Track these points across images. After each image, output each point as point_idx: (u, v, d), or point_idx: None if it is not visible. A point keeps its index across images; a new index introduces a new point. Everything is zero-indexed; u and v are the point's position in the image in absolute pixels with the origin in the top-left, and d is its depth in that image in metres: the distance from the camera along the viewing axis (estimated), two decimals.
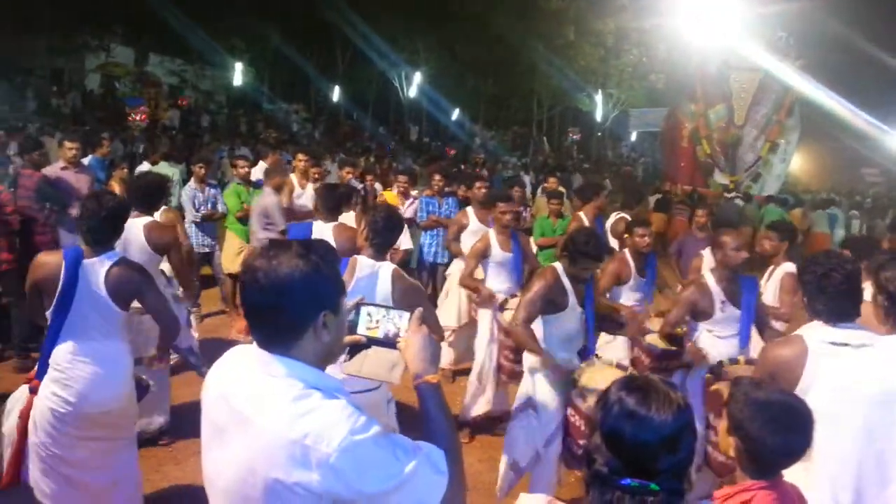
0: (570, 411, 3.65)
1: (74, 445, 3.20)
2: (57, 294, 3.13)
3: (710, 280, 4.08)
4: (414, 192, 8.09)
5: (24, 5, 18.67)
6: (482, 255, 5.27)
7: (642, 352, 4.57)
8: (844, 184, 17.04)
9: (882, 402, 2.13)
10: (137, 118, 16.47)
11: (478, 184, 7.06)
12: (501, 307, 4.90)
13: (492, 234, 5.32)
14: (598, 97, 29.65)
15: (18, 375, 5.41)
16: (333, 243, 4.08)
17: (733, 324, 4.05)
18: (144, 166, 8.63)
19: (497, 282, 5.26)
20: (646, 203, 10.68)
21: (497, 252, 5.25)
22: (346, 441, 1.35)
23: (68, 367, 3.14)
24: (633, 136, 33.66)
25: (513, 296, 5.05)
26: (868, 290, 2.52)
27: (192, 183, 7.17)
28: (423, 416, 1.58)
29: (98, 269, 3.17)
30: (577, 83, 27.74)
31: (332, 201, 4.94)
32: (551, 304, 3.75)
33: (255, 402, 1.44)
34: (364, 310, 1.71)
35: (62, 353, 3.15)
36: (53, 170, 6.42)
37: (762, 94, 18.29)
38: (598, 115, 30.59)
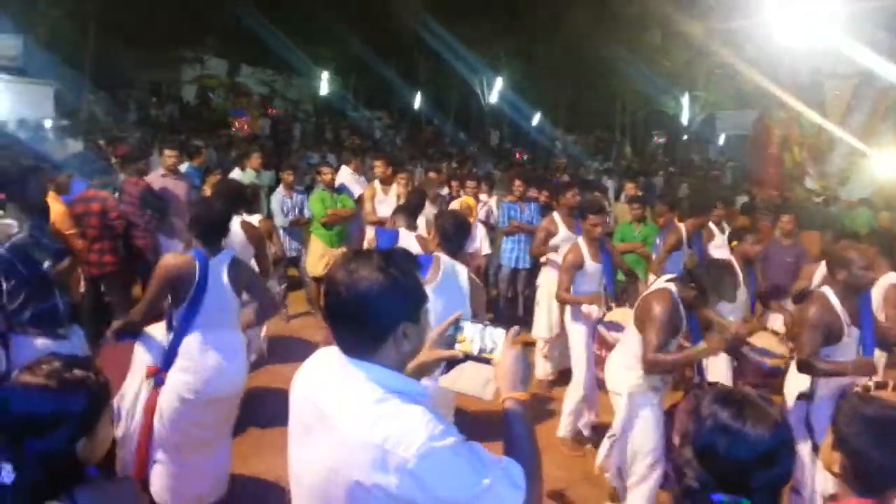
0: (675, 437, 3.54)
1: (198, 437, 3.53)
2: (192, 290, 3.45)
3: (833, 299, 3.64)
4: (483, 197, 8.10)
5: (125, 22, 19.84)
6: (576, 268, 5.15)
7: (746, 366, 4.34)
8: None
9: None
10: (240, 127, 17.29)
11: (570, 193, 6.98)
12: (601, 320, 4.77)
13: (581, 243, 5.22)
14: (685, 99, 28.79)
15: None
16: (418, 250, 4.21)
17: (854, 347, 3.66)
18: (236, 174, 8.98)
19: (589, 290, 5.16)
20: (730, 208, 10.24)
21: (588, 263, 5.16)
22: (425, 447, 1.37)
23: (200, 357, 3.45)
24: (721, 140, 32.46)
25: (608, 307, 4.95)
26: None
27: (280, 189, 7.44)
28: (506, 432, 1.59)
29: (221, 266, 3.56)
30: (662, 86, 27.05)
31: (417, 207, 5.05)
32: (671, 328, 3.59)
33: (339, 405, 1.48)
34: (462, 325, 1.75)
35: (193, 343, 3.47)
36: (154, 177, 6.79)
37: (857, 100, 17.59)
38: (685, 119, 29.69)
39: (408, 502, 1.41)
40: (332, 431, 1.47)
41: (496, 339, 1.70)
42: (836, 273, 3.67)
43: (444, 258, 3.55)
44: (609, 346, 4.38)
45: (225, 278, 3.55)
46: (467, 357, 1.72)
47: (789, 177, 18.59)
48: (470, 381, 1.75)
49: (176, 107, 24.72)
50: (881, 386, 3.48)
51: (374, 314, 1.48)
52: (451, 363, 1.76)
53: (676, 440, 3.46)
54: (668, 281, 3.72)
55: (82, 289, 5.72)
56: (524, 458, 1.52)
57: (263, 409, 4.87)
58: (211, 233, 3.58)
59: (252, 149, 10.54)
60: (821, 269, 4.73)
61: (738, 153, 26.84)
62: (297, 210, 7.34)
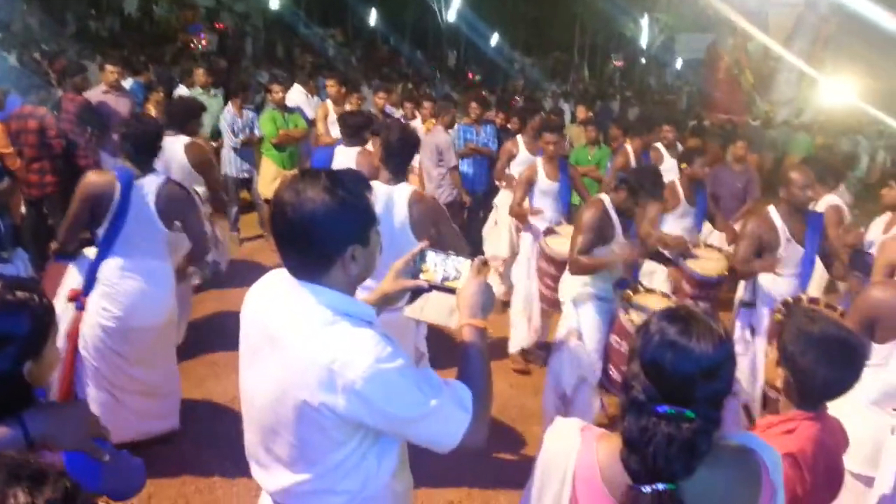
0: (614, 337, 3.67)
1: (121, 367, 3.41)
2: (110, 212, 3.26)
3: (775, 215, 3.92)
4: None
5: None
6: (529, 184, 5.29)
7: (684, 278, 4.55)
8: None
9: None
10: (198, 44, 16.46)
11: (538, 117, 6.94)
12: (546, 233, 4.87)
13: (539, 162, 5.33)
14: (644, 21, 28.48)
15: None
16: (356, 168, 4.11)
17: (795, 262, 3.91)
18: (181, 90, 8.61)
19: (544, 209, 5.27)
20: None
21: (543, 180, 5.25)
22: (372, 368, 1.38)
23: (117, 283, 3.31)
24: (679, 64, 32.39)
25: (558, 223, 5.07)
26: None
27: (230, 108, 7.16)
28: (461, 357, 1.61)
29: (148, 188, 3.31)
30: (621, 6, 26.64)
31: (352, 127, 4.90)
32: (599, 236, 3.75)
33: (288, 326, 1.48)
34: (428, 255, 1.74)
35: (112, 268, 3.32)
36: (95, 94, 6.48)
37: (799, 28, 18.10)
38: (643, 41, 29.46)
39: (355, 422, 1.44)
40: (282, 352, 1.48)
41: (459, 268, 1.71)
42: (780, 191, 3.92)
43: (379, 188, 3.32)
44: (549, 259, 4.56)
45: (151, 203, 3.32)
46: (431, 287, 1.72)
47: (739, 101, 19.05)
48: (435, 311, 1.77)
49: (117, 19, 23.32)
50: (813, 302, 3.68)
51: (321, 236, 1.46)
52: (416, 293, 1.77)
53: (613, 339, 3.64)
54: (602, 193, 3.93)
55: (23, 211, 5.52)
56: (475, 382, 1.54)
57: (217, 333, 4.86)
58: (140, 150, 3.36)
59: (199, 65, 10.09)
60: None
61: (694, 78, 26.90)
62: (247, 130, 7.11)
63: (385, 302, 1.79)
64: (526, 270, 5.12)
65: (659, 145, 7.02)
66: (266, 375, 1.52)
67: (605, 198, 3.84)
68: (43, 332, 1.51)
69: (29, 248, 3.94)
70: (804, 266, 3.90)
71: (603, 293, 3.84)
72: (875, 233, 4.56)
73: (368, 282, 1.66)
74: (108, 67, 6.66)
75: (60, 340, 3.32)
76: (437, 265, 1.73)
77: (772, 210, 3.95)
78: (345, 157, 4.89)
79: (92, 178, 3.37)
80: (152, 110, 7.14)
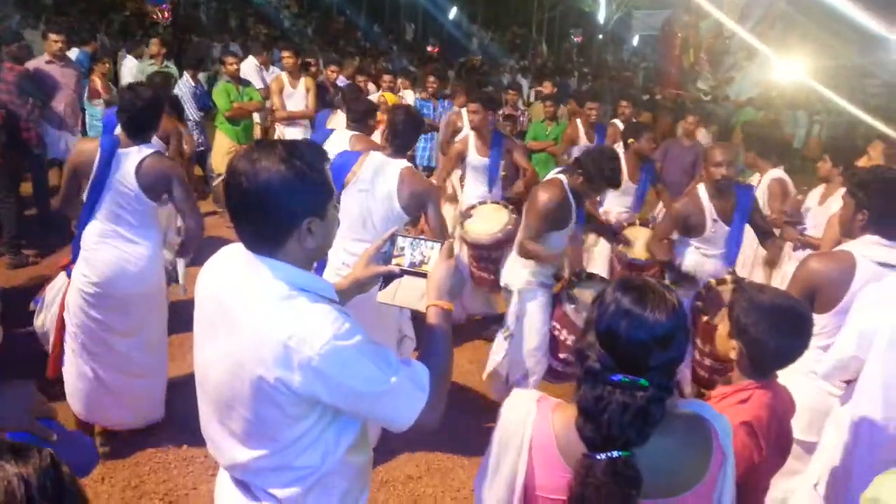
0: (555, 325, 3.70)
1: (103, 339, 3.39)
2: (91, 179, 3.26)
3: (703, 195, 3.91)
4: (405, 94, 7.90)
5: None
6: (459, 158, 5.13)
7: (620, 262, 4.60)
8: (843, 93, 16.87)
9: None
10: (161, 17, 15.87)
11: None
12: (464, 216, 4.78)
13: (471, 136, 5.14)
14: None
15: (13, 272, 5.45)
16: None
17: (721, 241, 3.92)
18: (129, 62, 8.32)
19: (473, 186, 5.16)
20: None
21: (473, 156, 5.09)
22: (329, 345, 1.37)
23: (94, 248, 3.31)
24: (636, 40, 32.61)
25: (480, 202, 4.93)
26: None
27: (187, 79, 6.95)
28: (424, 337, 1.61)
29: (131, 158, 3.28)
30: None
31: (358, 112, 4.48)
32: (557, 221, 3.67)
33: (244, 301, 1.45)
34: (397, 240, 1.74)
35: (90, 234, 3.33)
36: (38, 64, 6.22)
37: (750, 8, 19.01)
38: (601, 17, 29.55)
39: (311, 398, 1.43)
40: (237, 328, 1.45)
41: (427, 252, 1.71)
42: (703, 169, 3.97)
43: (377, 156, 3.39)
44: (469, 244, 4.54)
45: (132, 173, 3.26)
46: (403, 271, 1.73)
47: (686, 77, 19.88)
48: (406, 295, 1.77)
49: None
50: (720, 282, 3.75)
51: (277, 207, 1.42)
52: (388, 278, 1.76)
53: (552, 325, 3.68)
54: (559, 173, 3.78)
55: None
56: (435, 362, 1.54)
57: (171, 313, 4.76)
58: (134, 122, 3.32)
59: (150, 34, 9.77)
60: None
61: (651, 54, 27.16)
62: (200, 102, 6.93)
63: (358, 288, 1.79)
64: (458, 246, 5.07)
65: (617, 121, 7.07)
66: (221, 351, 1.49)
67: (564, 179, 3.70)
68: None
69: None
70: (730, 245, 3.92)
71: (548, 280, 3.82)
72: (811, 202, 4.69)
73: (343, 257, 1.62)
74: (52, 36, 6.37)
75: (54, 308, 3.47)
76: (407, 249, 1.73)
77: (701, 189, 3.94)
78: (339, 141, 4.69)
79: (78, 146, 3.43)
80: (97, 82, 6.90)
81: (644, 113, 7.63)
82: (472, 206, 4.86)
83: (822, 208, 4.48)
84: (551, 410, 1.44)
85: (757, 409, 1.83)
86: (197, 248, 3.63)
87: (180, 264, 4.25)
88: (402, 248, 1.74)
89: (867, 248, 2.49)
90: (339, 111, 6.03)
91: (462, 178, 5.39)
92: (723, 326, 2.01)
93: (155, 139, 4.42)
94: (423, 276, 1.70)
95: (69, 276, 3.41)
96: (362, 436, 1.62)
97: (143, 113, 3.31)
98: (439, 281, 1.64)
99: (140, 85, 3.54)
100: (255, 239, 1.48)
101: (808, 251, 3.79)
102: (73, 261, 3.39)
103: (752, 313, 1.87)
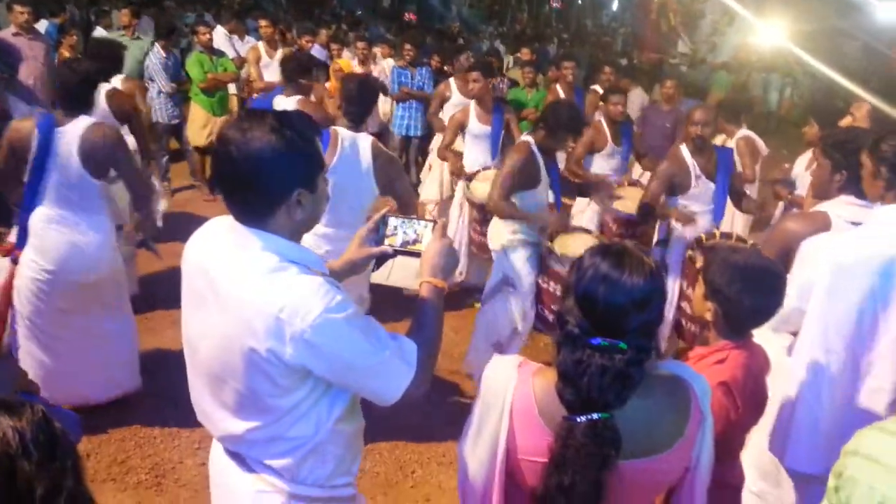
0: (541, 278, 3.73)
1: (60, 321, 3.30)
2: (30, 161, 3.11)
3: (685, 153, 4.04)
4: (386, 62, 7.80)
5: None
6: (460, 127, 5.17)
7: (610, 218, 4.66)
8: (822, 56, 17.01)
9: (882, 273, 2.13)
10: None
11: (463, 56, 6.84)
12: (469, 178, 4.83)
13: (472, 105, 5.18)
14: None
15: None
16: None
17: (708, 198, 4.04)
18: (98, 33, 8.11)
19: (474, 154, 5.20)
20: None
21: (475, 124, 5.13)
22: (321, 318, 1.37)
23: (43, 234, 3.18)
24: (615, 5, 32.38)
25: (485, 168, 4.98)
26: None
27: (158, 50, 6.78)
28: (416, 310, 1.62)
29: (72, 135, 3.13)
30: None
31: (289, 71, 4.53)
32: (527, 179, 3.71)
33: (233, 274, 1.44)
34: (389, 220, 1.74)
35: (37, 219, 3.19)
36: (4, 36, 6.03)
37: None
38: None
39: (303, 370, 1.43)
40: (227, 300, 1.44)
41: (420, 230, 1.72)
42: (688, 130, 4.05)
43: (344, 133, 3.35)
44: (473, 204, 4.59)
45: (75, 151, 3.14)
46: (396, 251, 1.73)
47: (664, 41, 20.20)
48: (401, 275, 1.78)
49: None
50: (725, 236, 3.83)
51: (267, 177, 1.40)
52: (381, 259, 1.77)
53: (541, 278, 3.71)
54: (527, 134, 3.86)
55: None
56: (423, 339, 1.55)
57: (152, 289, 4.73)
58: (72, 98, 3.20)
59: (119, 5, 9.52)
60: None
61: (630, 19, 27.04)
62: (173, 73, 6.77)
63: (351, 269, 1.78)
64: (458, 214, 5.11)
65: (597, 87, 7.03)
66: (211, 324, 1.49)
67: (531, 139, 3.76)
68: None
69: None
70: (716, 201, 4.05)
71: (531, 238, 3.85)
72: (799, 168, 4.74)
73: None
74: (17, 7, 6.15)
75: None
76: (399, 229, 1.73)
77: (682, 148, 4.08)
78: (284, 106, 4.65)
79: (13, 125, 3.26)
80: (65, 55, 6.72)
81: (623, 79, 7.57)
82: (477, 172, 4.90)
83: (810, 173, 4.53)
84: (532, 375, 1.45)
85: (733, 369, 1.87)
86: (154, 222, 3.58)
87: (162, 205, 4.20)
88: (395, 228, 1.74)
89: (842, 209, 2.52)
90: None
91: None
92: (698, 288, 2.04)
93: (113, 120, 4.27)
94: (417, 255, 1.70)
95: (14, 262, 3.26)
96: (353, 404, 1.63)
97: (78, 87, 3.21)
98: (433, 258, 1.65)
99: (75, 59, 3.43)
100: (243, 209, 1.47)
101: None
102: (19, 246, 3.24)
103: (726, 274, 1.89)
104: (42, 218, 3.19)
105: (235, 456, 1.62)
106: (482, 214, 4.60)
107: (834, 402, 2.19)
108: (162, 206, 4.18)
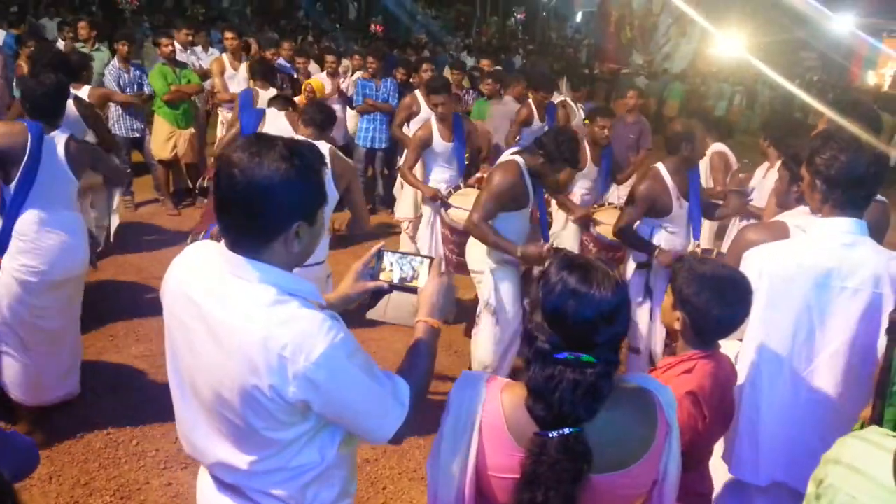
0: (526, 301, 3.71)
1: (30, 320, 3.38)
2: (23, 165, 3.19)
3: (665, 174, 3.88)
4: (357, 74, 7.79)
5: None
6: (424, 145, 5.06)
7: (591, 240, 4.63)
8: (780, 67, 17.50)
9: (819, 285, 2.14)
10: (130, 1, 15.39)
11: (424, 66, 6.84)
12: (443, 201, 4.71)
13: (433, 121, 5.08)
14: None
15: None
16: (290, 130, 4.14)
17: (685, 217, 3.96)
18: (60, 44, 7.96)
19: (439, 171, 5.12)
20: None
21: (438, 142, 5.05)
22: (325, 356, 1.34)
23: (36, 237, 3.27)
24: (579, 17, 32.84)
25: (456, 188, 4.89)
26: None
27: (115, 63, 6.68)
28: (410, 349, 1.61)
29: (58, 142, 3.29)
30: None
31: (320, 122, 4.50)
32: (512, 202, 3.62)
33: (229, 307, 1.39)
34: (385, 255, 1.73)
35: (28, 223, 3.26)
36: None
37: None
38: None
39: (304, 406, 1.39)
40: (223, 334, 1.39)
41: (417, 267, 1.71)
42: (682, 148, 3.86)
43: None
44: (450, 228, 4.40)
45: (62, 155, 3.30)
46: (392, 287, 1.71)
47: (623, 52, 21.48)
48: (397, 312, 1.77)
49: None
50: (707, 252, 3.84)
51: (270, 205, 1.36)
52: (377, 295, 1.76)
53: (525, 302, 3.69)
54: (515, 153, 3.73)
55: None
56: (416, 378, 1.54)
57: (114, 301, 4.63)
58: (44, 109, 3.28)
59: (78, 17, 9.36)
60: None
61: (593, 31, 27.44)
62: (135, 86, 6.67)
63: (345, 303, 1.76)
64: (430, 233, 5.02)
65: (568, 100, 7.08)
66: (205, 358, 1.43)
67: (520, 160, 3.63)
68: None
69: None
70: (694, 219, 3.99)
71: (512, 258, 3.76)
72: (756, 179, 4.84)
73: None
74: None
75: None
76: (395, 265, 1.72)
77: (661, 168, 3.91)
78: (275, 120, 4.76)
79: (1, 130, 3.27)
80: (23, 67, 6.59)
81: (582, 88, 7.62)
82: (449, 192, 4.79)
83: (765, 181, 4.62)
84: (500, 391, 1.46)
85: (701, 379, 1.89)
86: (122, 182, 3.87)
87: (114, 220, 4.21)
88: (391, 264, 1.73)
89: (800, 219, 2.57)
90: (260, 91, 6.08)
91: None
92: (667, 298, 2.06)
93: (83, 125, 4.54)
94: (414, 291, 1.69)
95: None
96: None
97: (47, 99, 3.28)
98: (431, 297, 1.65)
99: (41, 72, 3.44)
100: (238, 235, 1.42)
101: (753, 221, 3.90)
102: (1, 252, 3.27)
103: (694, 284, 1.92)
104: (34, 220, 3.27)
105: (231, 489, 1.55)
106: (456, 235, 4.49)
107: (772, 412, 2.18)
108: (114, 222, 4.15)
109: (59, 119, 3.36)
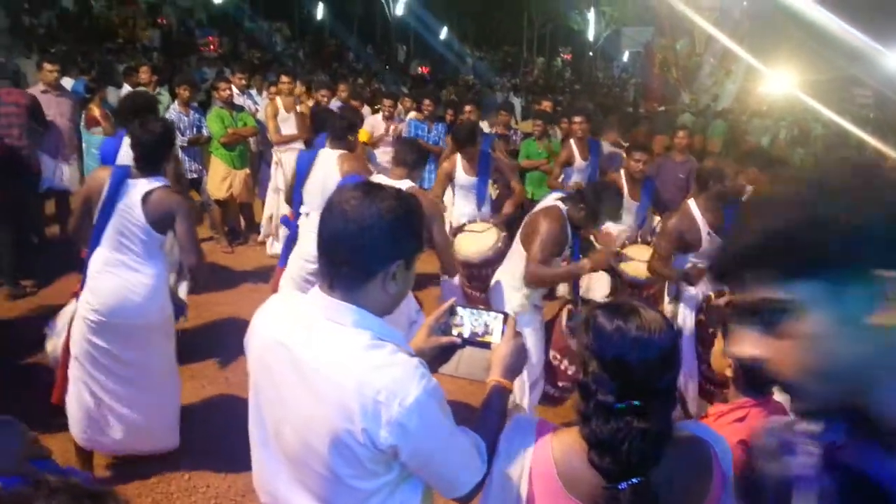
0: (555, 355, 3.69)
1: (107, 365, 3.36)
2: (100, 206, 3.32)
3: (695, 209, 3.93)
4: (410, 115, 7.93)
5: None
6: (448, 178, 5.23)
7: (625, 282, 4.56)
8: (832, 104, 17.19)
9: None
10: (210, 49, 16.14)
11: (468, 107, 6.95)
12: (454, 233, 4.77)
13: (458, 156, 5.24)
14: (591, 15, 28.88)
15: (13, 303, 5.44)
16: (338, 171, 4.10)
17: None
18: (125, 89, 8.36)
19: (462, 205, 5.27)
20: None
21: (461, 175, 5.19)
22: (417, 402, 1.34)
23: (97, 275, 3.33)
24: (626, 57, 32.91)
25: (471, 221, 4.95)
26: None
27: (175, 106, 6.97)
28: (482, 407, 1.62)
29: (138, 189, 3.31)
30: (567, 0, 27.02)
31: (339, 129, 4.52)
32: (556, 247, 3.65)
33: (324, 352, 1.41)
34: (457, 310, 1.72)
35: (96, 261, 3.35)
36: (33, 93, 6.22)
37: (718, 28, 20.71)
38: (591, 34, 29.86)
39: (393, 453, 1.39)
40: (317, 380, 1.40)
41: (491, 322, 1.69)
42: (710, 185, 3.92)
43: (381, 178, 3.50)
44: (462, 263, 4.45)
45: (138, 203, 3.28)
46: (465, 342, 1.70)
47: (670, 91, 21.96)
48: (470, 367, 1.75)
49: (53, 14, 22.43)
50: (720, 294, 3.74)
51: (375, 240, 1.40)
52: (449, 350, 1.74)
53: (552, 355, 3.65)
54: (559, 199, 3.75)
55: None
56: (490, 435, 1.54)
57: (179, 342, 4.75)
58: (144, 157, 3.37)
59: (140, 62, 9.82)
60: None
61: (640, 70, 27.48)
62: (194, 129, 6.94)
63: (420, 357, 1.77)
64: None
65: (604, 143, 7.07)
66: (296, 405, 1.44)
67: (562, 206, 3.67)
68: None
69: None
70: None
71: (539, 303, 3.81)
72: None
73: None
74: (47, 66, 6.41)
75: (61, 339, 3.44)
76: (467, 319, 1.70)
77: (692, 204, 3.94)
78: (327, 160, 4.62)
79: (94, 173, 3.50)
80: (95, 110, 6.93)
81: (633, 129, 7.63)
82: (462, 225, 4.88)
83: None
84: (550, 437, 1.45)
85: (753, 427, 1.83)
86: (204, 281, 3.64)
87: (182, 290, 4.25)
88: (462, 318, 1.71)
89: None
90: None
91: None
92: (718, 343, 2.01)
93: None
94: (486, 346, 1.67)
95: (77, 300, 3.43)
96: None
97: (153, 146, 3.35)
98: (505, 358, 1.63)
99: (149, 119, 3.50)
100: (338, 275, 1.44)
101: None
102: (82, 287, 3.38)
103: None
104: (100, 260, 3.33)
105: None
106: (468, 270, 4.52)
107: None
108: (182, 291, 4.22)
109: (151, 166, 3.37)
